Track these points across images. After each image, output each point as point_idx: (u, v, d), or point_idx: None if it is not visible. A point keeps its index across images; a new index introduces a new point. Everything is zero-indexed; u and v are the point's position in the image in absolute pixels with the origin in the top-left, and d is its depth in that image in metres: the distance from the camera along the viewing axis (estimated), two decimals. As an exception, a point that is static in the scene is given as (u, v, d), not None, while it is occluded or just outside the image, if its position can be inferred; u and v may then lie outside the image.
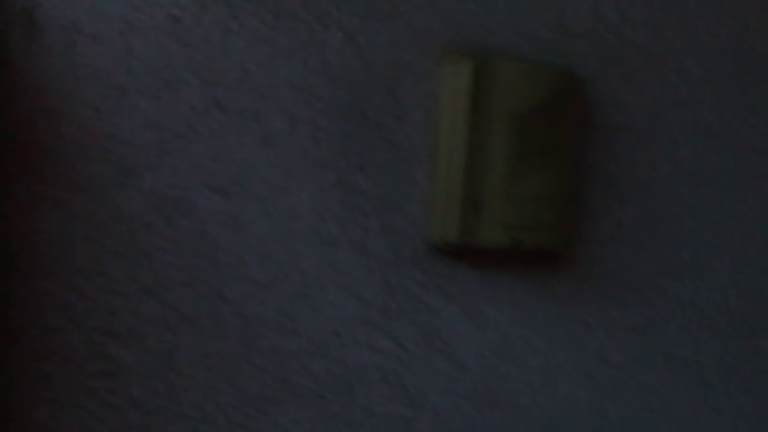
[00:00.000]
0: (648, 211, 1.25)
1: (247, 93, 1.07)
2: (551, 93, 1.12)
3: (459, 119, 1.11)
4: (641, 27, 1.23)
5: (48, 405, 1.03)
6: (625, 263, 1.25)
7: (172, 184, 1.05)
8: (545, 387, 1.22)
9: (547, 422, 1.23)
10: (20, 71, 1.00)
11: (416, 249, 1.15)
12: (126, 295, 1.04)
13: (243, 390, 1.09)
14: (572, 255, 1.22)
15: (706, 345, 1.31)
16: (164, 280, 1.05)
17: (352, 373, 1.14)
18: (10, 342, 1.02)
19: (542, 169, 1.13)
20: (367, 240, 1.13)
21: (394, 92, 1.12)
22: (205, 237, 1.06)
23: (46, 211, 1.01)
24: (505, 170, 1.11)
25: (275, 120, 1.08)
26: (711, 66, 1.27)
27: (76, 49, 1.01)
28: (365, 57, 1.11)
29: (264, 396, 1.10)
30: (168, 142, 1.04)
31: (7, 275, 1.01)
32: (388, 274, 1.14)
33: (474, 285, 1.17)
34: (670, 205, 1.26)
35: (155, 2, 1.04)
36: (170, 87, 1.04)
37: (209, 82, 1.05)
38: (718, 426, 1.34)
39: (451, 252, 1.15)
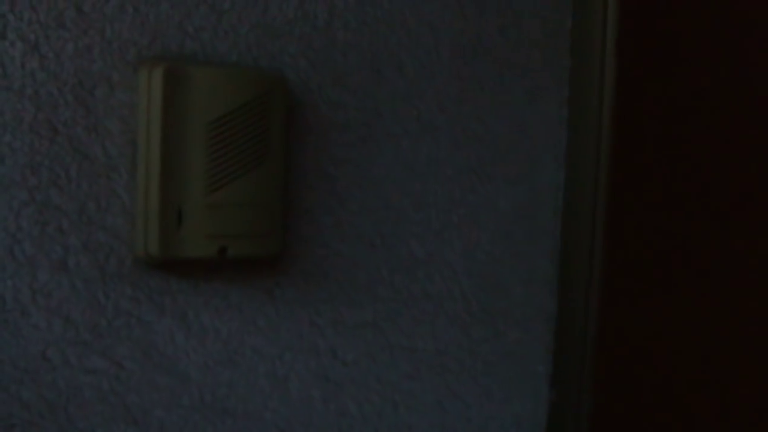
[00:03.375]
0: (371, 208, 1.20)
1: None
2: (250, 96, 1.05)
3: (154, 128, 1.03)
4: (352, 24, 1.17)
5: None
6: (351, 261, 1.19)
7: None
8: (276, 391, 1.16)
9: (283, 425, 1.17)
10: None
11: (122, 263, 1.06)
12: None
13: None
14: (293, 257, 1.16)
15: (444, 334, 1.27)
16: None
17: (66, 396, 1.05)
18: None
19: (245, 176, 1.06)
20: (68, 257, 1.04)
21: (85, 103, 1.03)
22: None
23: None
24: (204, 178, 1.04)
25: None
26: (427, 58, 1.22)
27: None
28: (51, 68, 1.02)
29: (-36, 429, 1.01)
30: None
31: None
32: (95, 291, 1.05)
33: (188, 296, 1.10)
34: (394, 200, 1.21)
35: None
36: None
37: None
38: (463, 414, 1.30)
39: (159, 265, 1.07)
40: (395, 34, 1.20)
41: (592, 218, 1.36)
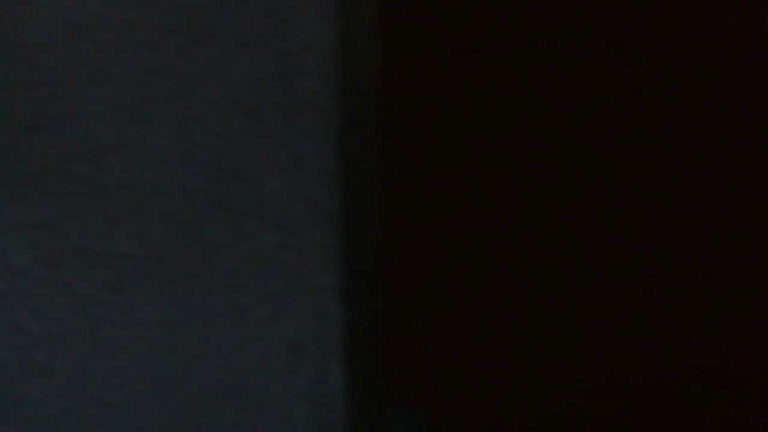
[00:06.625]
0: (25, 83, 1.03)
1: None
2: None
3: None
4: None
5: None
6: (7, 149, 1.04)
7: None
8: None
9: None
10: None
11: None
12: None
13: None
14: None
15: (159, 236, 1.09)
16: None
17: None
18: None
19: None
20: None
21: None
22: None
23: None
24: None
25: None
26: None
27: None
28: None
29: None
30: None
31: None
32: None
33: None
34: (60, 73, 1.03)
35: None
36: None
37: None
38: (201, 335, 1.13)
39: None
40: None
41: (372, 88, 1.11)
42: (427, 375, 1.17)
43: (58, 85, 1.04)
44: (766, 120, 1.10)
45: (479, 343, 1.15)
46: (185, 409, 1.15)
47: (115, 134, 1.06)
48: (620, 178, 1.12)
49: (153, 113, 1.07)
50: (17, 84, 1.03)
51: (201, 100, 1.08)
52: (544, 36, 1.09)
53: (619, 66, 1.09)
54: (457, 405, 1.16)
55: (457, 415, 1.15)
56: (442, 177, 1.13)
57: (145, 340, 1.12)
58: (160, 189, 1.09)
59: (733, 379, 1.13)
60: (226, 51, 1.07)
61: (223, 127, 1.09)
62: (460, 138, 1.13)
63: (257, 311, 1.15)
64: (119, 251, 1.09)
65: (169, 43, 1.06)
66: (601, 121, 1.10)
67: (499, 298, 1.15)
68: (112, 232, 1.08)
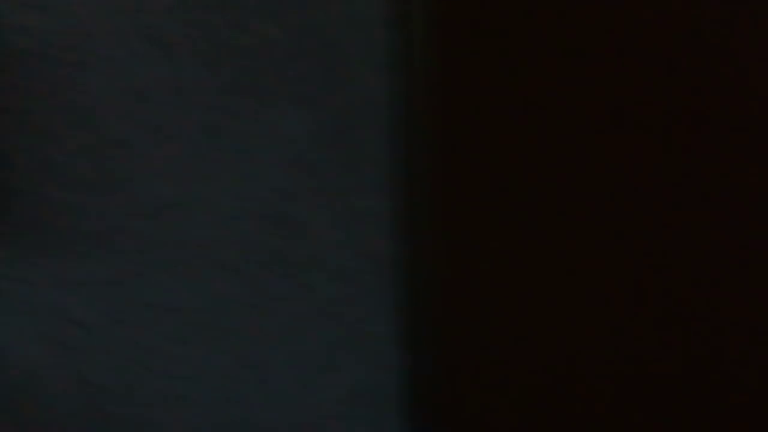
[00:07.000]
0: (91, 144, 1.06)
1: None
2: None
3: None
4: None
5: None
6: (72, 208, 1.08)
7: None
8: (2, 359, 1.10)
9: (8, 393, 1.11)
10: None
11: None
12: None
13: None
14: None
15: (216, 288, 1.12)
16: None
17: None
18: None
19: None
20: None
21: None
22: None
23: None
24: None
25: None
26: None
27: None
28: None
29: None
30: None
31: None
32: None
33: None
34: (122, 134, 1.07)
35: None
36: None
37: None
38: (258, 384, 1.16)
39: None
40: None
41: (427, 139, 1.12)
42: (487, 424, 1.18)
43: (121, 146, 1.08)
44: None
45: (543, 392, 1.15)
46: (248, 456, 1.18)
47: (176, 192, 1.10)
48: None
49: (212, 170, 1.10)
50: (82, 147, 1.07)
51: (259, 156, 1.11)
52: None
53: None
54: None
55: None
56: (503, 224, 1.14)
57: (207, 389, 1.15)
58: (221, 243, 1.12)
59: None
60: (283, 107, 1.10)
61: (281, 182, 1.12)
62: (521, 187, 1.13)
63: (316, 360, 1.17)
64: (182, 305, 1.13)
65: (227, 102, 1.09)
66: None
67: (568, 347, 1.15)
68: (174, 286, 1.12)
